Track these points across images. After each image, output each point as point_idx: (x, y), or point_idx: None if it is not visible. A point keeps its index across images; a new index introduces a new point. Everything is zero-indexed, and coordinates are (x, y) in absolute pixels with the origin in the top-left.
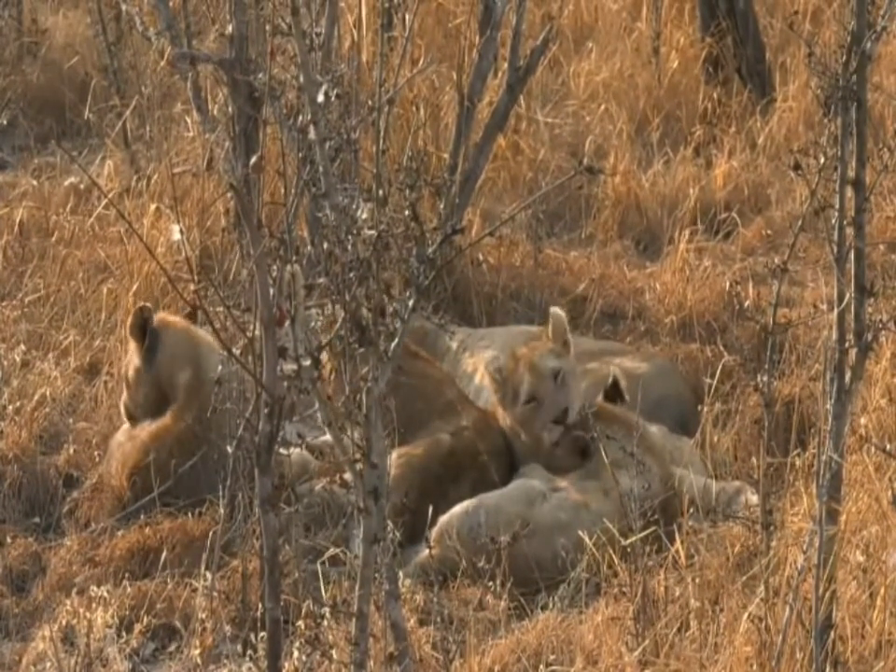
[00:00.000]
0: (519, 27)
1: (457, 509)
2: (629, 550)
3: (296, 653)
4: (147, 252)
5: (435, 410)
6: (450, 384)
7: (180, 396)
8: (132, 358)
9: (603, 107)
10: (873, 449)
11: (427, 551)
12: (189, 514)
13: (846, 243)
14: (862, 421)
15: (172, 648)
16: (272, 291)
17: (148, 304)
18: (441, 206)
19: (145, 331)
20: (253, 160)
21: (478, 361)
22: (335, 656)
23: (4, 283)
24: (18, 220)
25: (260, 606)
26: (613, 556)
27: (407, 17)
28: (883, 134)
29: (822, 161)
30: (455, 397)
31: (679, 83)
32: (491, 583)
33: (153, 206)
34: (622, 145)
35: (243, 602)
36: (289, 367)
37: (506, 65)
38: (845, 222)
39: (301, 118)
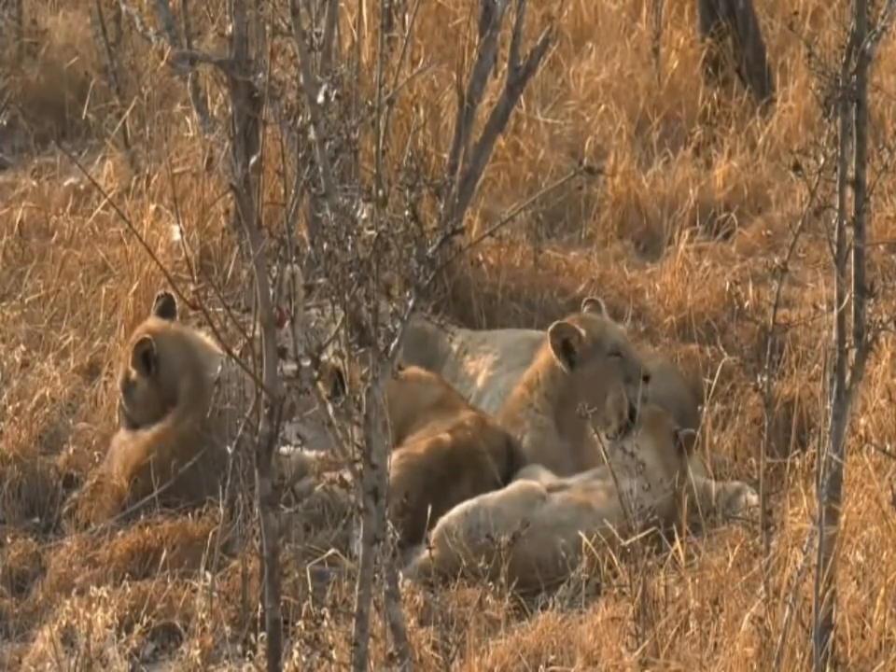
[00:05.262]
0: (519, 27)
1: (457, 510)
2: (629, 550)
3: (296, 653)
4: (147, 252)
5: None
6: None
7: (182, 398)
8: (137, 383)
9: (603, 107)
10: (873, 449)
11: (427, 551)
12: (189, 514)
13: (846, 243)
14: (862, 421)
15: (172, 648)
16: (272, 291)
17: (148, 336)
18: (441, 206)
19: (147, 360)
20: (253, 160)
21: (479, 365)
22: (335, 656)
23: (4, 283)
24: (18, 220)
25: (260, 606)
26: (613, 556)
27: (407, 17)
28: (883, 134)
29: (822, 161)
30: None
31: (679, 83)
32: (491, 583)
33: (153, 206)
34: (622, 145)
35: (243, 602)
36: (289, 367)
37: (506, 65)
38: (845, 222)
39: (300, 118)
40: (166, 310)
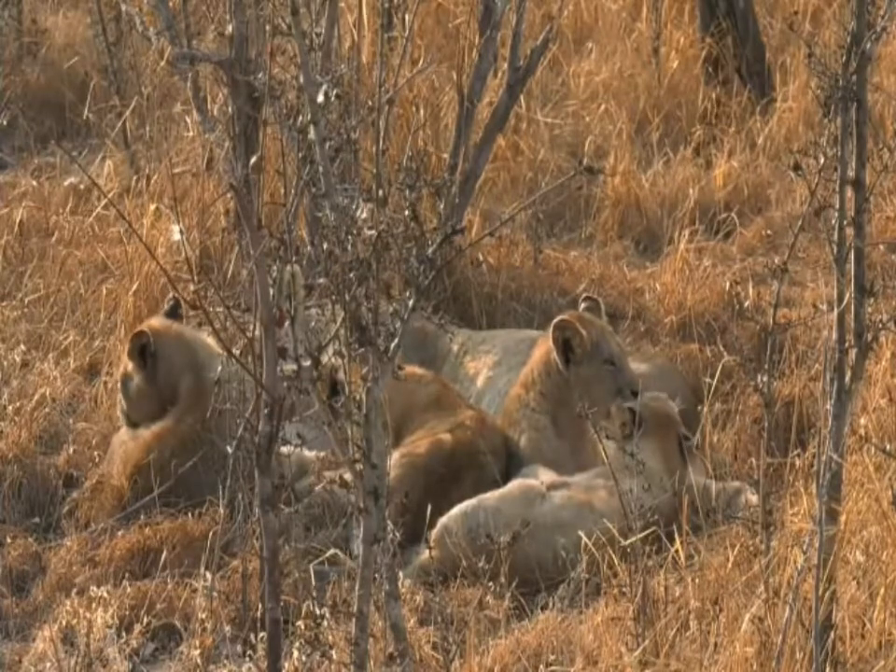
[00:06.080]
0: (519, 27)
1: (457, 510)
2: (629, 550)
3: (296, 653)
4: (147, 252)
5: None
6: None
7: (182, 398)
8: (133, 376)
9: (603, 107)
10: (873, 449)
11: (427, 551)
12: (189, 514)
13: (846, 243)
14: (862, 421)
15: (172, 648)
16: (272, 291)
17: (145, 329)
18: (441, 206)
19: (144, 353)
20: (253, 160)
21: (479, 365)
22: (335, 656)
23: (4, 283)
24: (18, 220)
25: (260, 606)
26: (613, 556)
27: (407, 17)
28: (883, 134)
29: (822, 161)
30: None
31: (679, 83)
32: (491, 583)
33: (153, 206)
34: (622, 145)
35: (243, 602)
36: (289, 367)
37: (506, 65)
38: (845, 222)
39: (300, 118)
40: (174, 313)
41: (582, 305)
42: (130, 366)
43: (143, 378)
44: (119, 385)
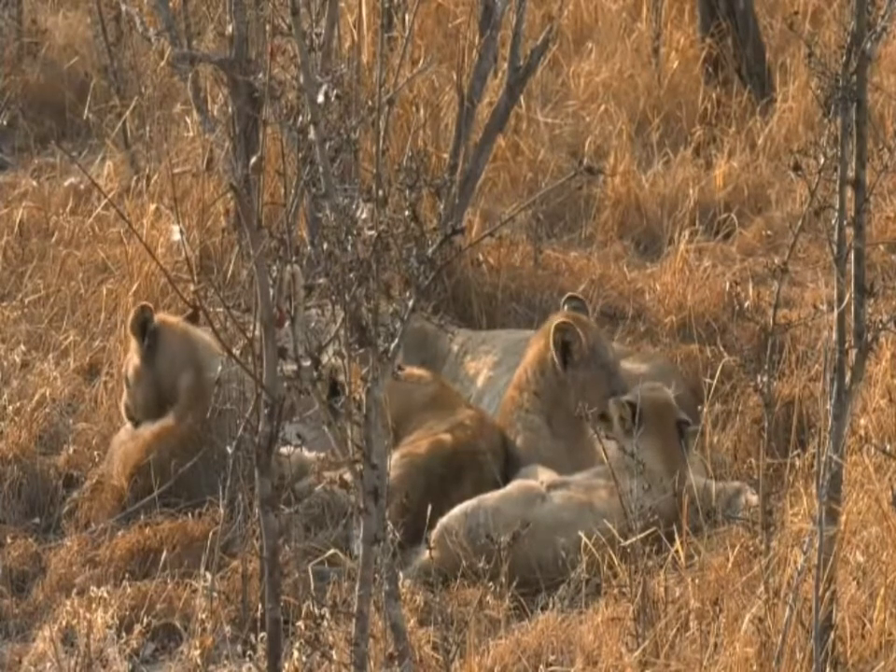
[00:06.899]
0: (519, 27)
1: (457, 510)
2: (629, 550)
3: (296, 654)
4: (147, 252)
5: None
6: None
7: (182, 397)
8: (132, 358)
9: (603, 107)
10: (873, 449)
11: (427, 552)
12: (189, 514)
13: (846, 243)
14: (862, 422)
15: (172, 648)
16: (272, 291)
17: (149, 304)
18: (441, 207)
19: (145, 330)
20: (253, 160)
21: (479, 365)
22: (335, 657)
23: (4, 283)
24: (18, 221)
25: (260, 606)
26: (613, 557)
27: (407, 17)
28: (883, 134)
29: (822, 161)
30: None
31: (679, 83)
32: (491, 583)
33: (153, 206)
34: (622, 145)
35: (243, 602)
36: (289, 367)
37: (506, 65)
38: (845, 222)
39: (301, 118)
40: (192, 318)
41: (567, 305)
42: (133, 345)
43: (142, 360)
44: (123, 371)
